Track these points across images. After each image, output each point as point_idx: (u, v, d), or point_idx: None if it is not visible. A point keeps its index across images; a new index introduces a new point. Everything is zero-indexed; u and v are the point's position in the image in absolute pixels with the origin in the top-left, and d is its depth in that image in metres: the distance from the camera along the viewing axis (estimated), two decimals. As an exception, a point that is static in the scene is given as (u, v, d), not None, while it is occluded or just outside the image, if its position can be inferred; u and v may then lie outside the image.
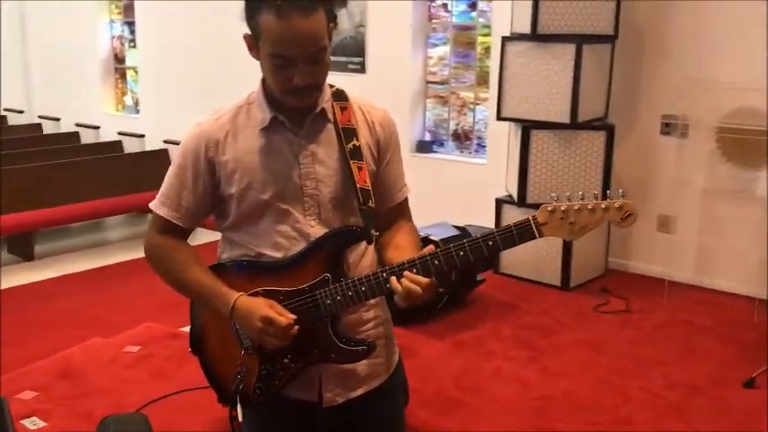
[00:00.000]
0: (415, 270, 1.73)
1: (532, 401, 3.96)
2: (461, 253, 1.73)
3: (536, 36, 5.41)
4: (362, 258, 1.91)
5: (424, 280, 1.71)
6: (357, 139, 1.86)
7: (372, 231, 1.82)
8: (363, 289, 1.79)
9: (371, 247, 1.91)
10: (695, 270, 5.74)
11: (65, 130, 9.81)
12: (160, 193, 1.91)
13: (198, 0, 8.14)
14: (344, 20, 7.06)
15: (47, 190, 6.99)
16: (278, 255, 1.86)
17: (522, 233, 1.71)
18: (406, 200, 2.01)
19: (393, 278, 1.73)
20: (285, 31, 1.67)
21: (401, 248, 1.87)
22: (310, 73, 1.73)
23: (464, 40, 6.96)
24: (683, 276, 5.73)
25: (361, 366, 1.92)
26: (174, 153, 1.93)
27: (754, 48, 5.28)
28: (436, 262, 1.73)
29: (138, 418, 3.44)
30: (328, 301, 1.81)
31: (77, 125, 9.73)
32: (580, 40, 5.33)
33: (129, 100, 9.79)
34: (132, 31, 9.47)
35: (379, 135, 1.92)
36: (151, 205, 1.92)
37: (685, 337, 4.83)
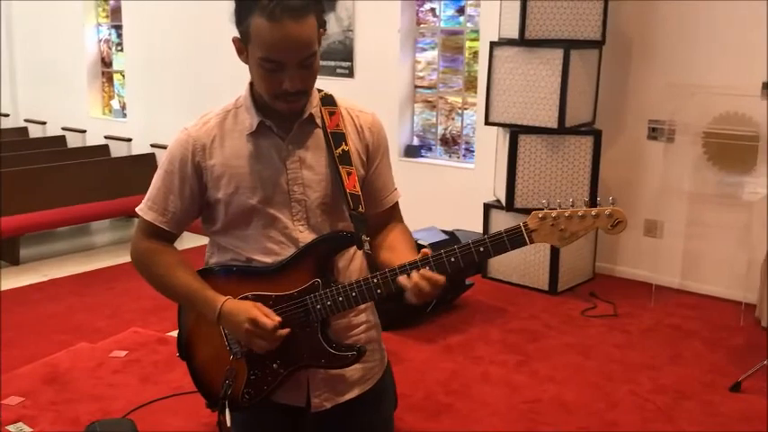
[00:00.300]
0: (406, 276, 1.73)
1: (521, 405, 3.96)
2: (452, 259, 1.73)
3: (524, 41, 5.43)
4: (352, 263, 1.91)
5: (438, 277, 1.71)
6: (346, 144, 1.86)
7: (363, 237, 1.82)
8: (353, 294, 1.79)
9: (361, 252, 1.91)
10: (682, 274, 5.77)
11: (51, 134, 9.76)
12: (147, 197, 1.90)
13: (185, 1, 8.13)
14: (333, 24, 7.06)
15: (32, 194, 6.95)
16: (267, 260, 1.85)
17: (513, 239, 1.71)
18: (396, 203, 2.01)
19: (403, 277, 1.73)
20: (276, 36, 1.67)
21: (395, 249, 1.87)
22: (300, 78, 1.73)
23: (452, 44, 6.97)
24: (669, 281, 5.76)
25: (350, 371, 1.92)
26: (161, 157, 1.92)
27: (739, 52, 5.32)
28: (427, 268, 1.73)
29: (125, 424, 3.43)
30: (318, 307, 1.81)
31: (64, 129, 9.69)
32: (568, 45, 5.35)
33: (115, 104, 9.76)
34: (119, 35, 9.44)
35: (368, 139, 1.92)
36: (138, 210, 1.91)
37: (672, 341, 4.84)
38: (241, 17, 1.71)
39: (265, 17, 1.66)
